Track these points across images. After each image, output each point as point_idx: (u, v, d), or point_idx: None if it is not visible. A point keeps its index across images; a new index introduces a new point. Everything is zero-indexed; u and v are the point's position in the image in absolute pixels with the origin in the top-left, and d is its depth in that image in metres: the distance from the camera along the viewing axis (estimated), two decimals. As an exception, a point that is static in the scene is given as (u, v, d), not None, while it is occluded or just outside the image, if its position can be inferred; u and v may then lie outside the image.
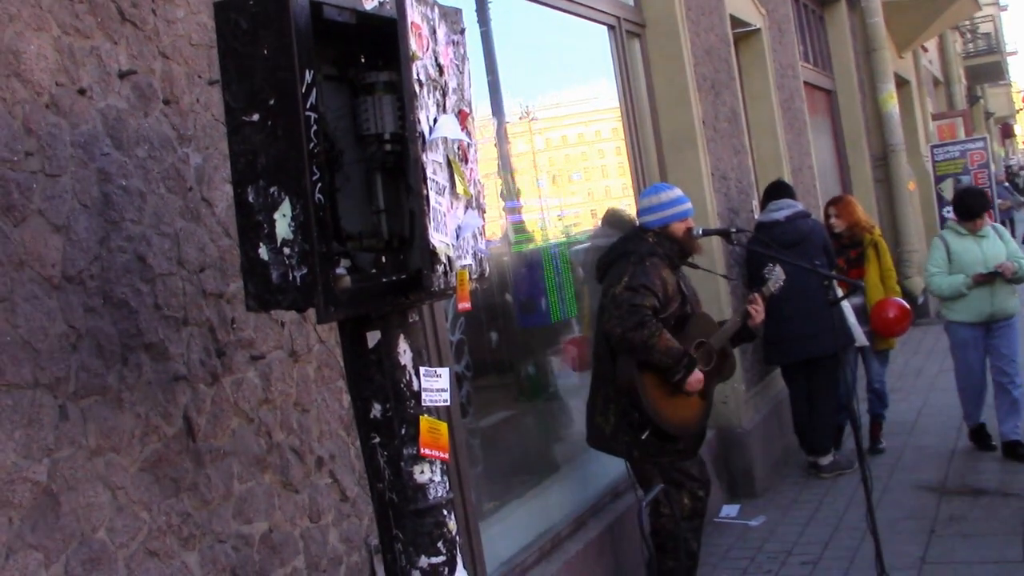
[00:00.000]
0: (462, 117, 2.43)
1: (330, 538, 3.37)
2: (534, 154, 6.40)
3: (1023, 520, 6.12)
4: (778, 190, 7.95)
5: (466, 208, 2.42)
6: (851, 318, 7.51)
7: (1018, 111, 56.26)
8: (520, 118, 6.13)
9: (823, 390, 7.63)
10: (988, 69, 35.88)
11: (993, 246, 7.54)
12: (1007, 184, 23.28)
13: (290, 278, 2.13)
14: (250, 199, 2.16)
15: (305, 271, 2.11)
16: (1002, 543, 5.83)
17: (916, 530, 6.21)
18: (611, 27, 6.97)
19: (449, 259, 2.27)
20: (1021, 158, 51.65)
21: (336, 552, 3.38)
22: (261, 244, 2.16)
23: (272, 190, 2.14)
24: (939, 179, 15.31)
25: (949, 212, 14.94)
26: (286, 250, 2.13)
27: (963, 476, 7.20)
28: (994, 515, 6.31)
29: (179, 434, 2.81)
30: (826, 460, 7.66)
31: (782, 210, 7.62)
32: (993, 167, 16.67)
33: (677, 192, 5.32)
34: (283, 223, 2.13)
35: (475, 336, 5.08)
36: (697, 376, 4.95)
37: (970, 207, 7.59)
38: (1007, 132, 52.73)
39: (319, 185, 2.13)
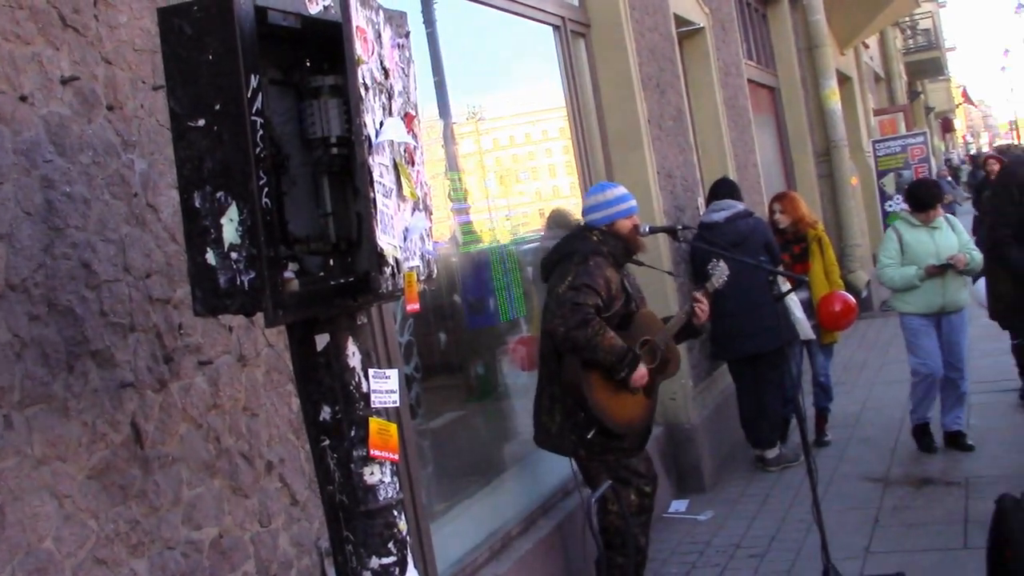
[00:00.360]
0: (408, 120, 2.44)
1: (280, 542, 3.37)
2: (481, 154, 6.42)
3: (964, 509, 6.24)
4: (721, 189, 8.02)
5: (413, 210, 2.43)
6: (798, 312, 7.62)
7: (957, 106, 57.23)
8: (467, 119, 6.15)
9: (769, 384, 7.73)
10: (928, 65, 36.42)
11: (946, 238, 7.49)
12: (949, 179, 23.63)
13: (238, 282, 2.14)
14: (196, 204, 2.16)
15: (253, 275, 2.12)
16: (944, 532, 5.94)
17: (861, 521, 6.31)
18: (556, 27, 7.01)
19: (397, 261, 2.28)
20: (960, 152, 52.50)
21: (287, 556, 3.38)
22: (208, 249, 2.15)
23: (219, 195, 2.14)
24: (881, 174, 15.55)
25: (893, 205, 15.25)
26: (233, 255, 2.13)
27: (906, 467, 7.32)
28: (937, 504, 6.43)
29: (127, 441, 2.80)
30: (772, 453, 7.76)
31: (722, 211, 7.69)
32: (933, 161, 16.93)
33: (622, 190, 5.37)
34: (230, 228, 2.13)
35: (424, 337, 5.09)
36: (641, 372, 5.00)
37: (922, 198, 7.55)
38: (947, 127, 53.60)
39: (266, 189, 2.13)
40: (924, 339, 7.49)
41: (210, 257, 2.16)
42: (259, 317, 3.18)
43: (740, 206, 7.79)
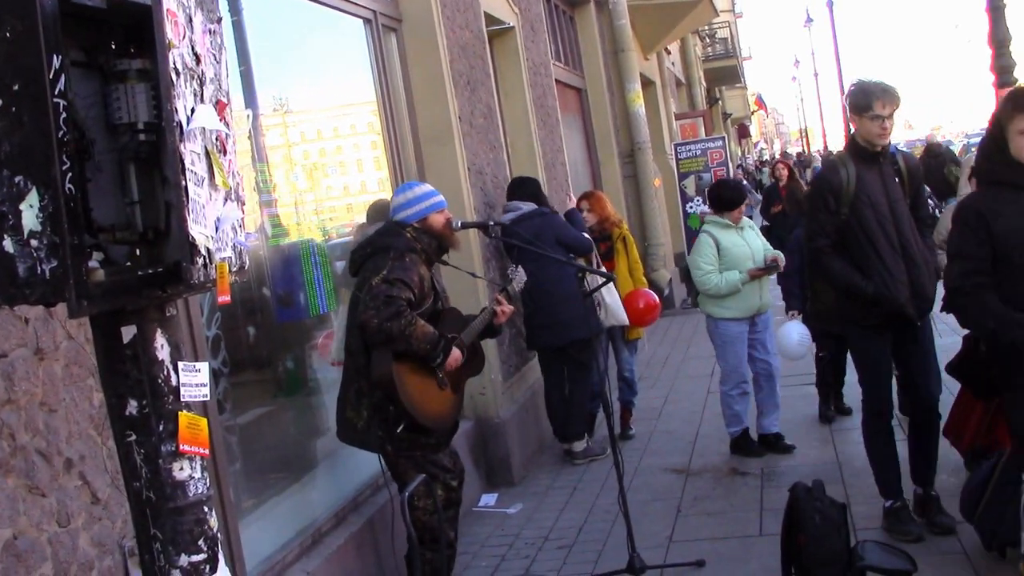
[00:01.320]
0: (220, 107, 2.38)
1: (80, 542, 3.24)
2: (289, 147, 6.31)
3: (760, 498, 6.52)
4: (516, 190, 8.09)
5: (225, 200, 2.38)
6: (609, 298, 7.78)
7: (752, 113, 59.60)
8: (274, 110, 6.04)
9: (576, 378, 7.89)
10: (726, 72, 37.84)
11: (754, 239, 7.56)
12: (746, 183, 24.56)
13: (38, 271, 2.04)
14: (-8, 189, 2.05)
15: (55, 264, 2.02)
16: (742, 519, 6.20)
17: (664, 511, 6.52)
18: (367, 20, 6.97)
19: (209, 251, 2.22)
20: (754, 157, 54.67)
21: (87, 556, 3.26)
22: (6, 236, 2.05)
23: (18, 179, 2.04)
24: (682, 176, 16.07)
25: (693, 207, 15.77)
26: (34, 242, 2.03)
27: (706, 458, 7.60)
28: (734, 494, 6.70)
29: (-87, 439, 2.64)
30: (580, 447, 7.93)
31: (508, 213, 7.77)
32: (731, 165, 17.59)
33: (428, 187, 5.44)
34: (30, 214, 2.03)
35: (232, 331, 4.99)
36: (456, 355, 5.13)
37: (727, 198, 7.50)
38: (743, 132, 55.84)
39: (69, 175, 2.04)
40: (739, 346, 7.46)
41: (7, 244, 2.05)
42: (58, 309, 3.06)
43: (526, 207, 7.80)
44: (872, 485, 6.42)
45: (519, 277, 6.01)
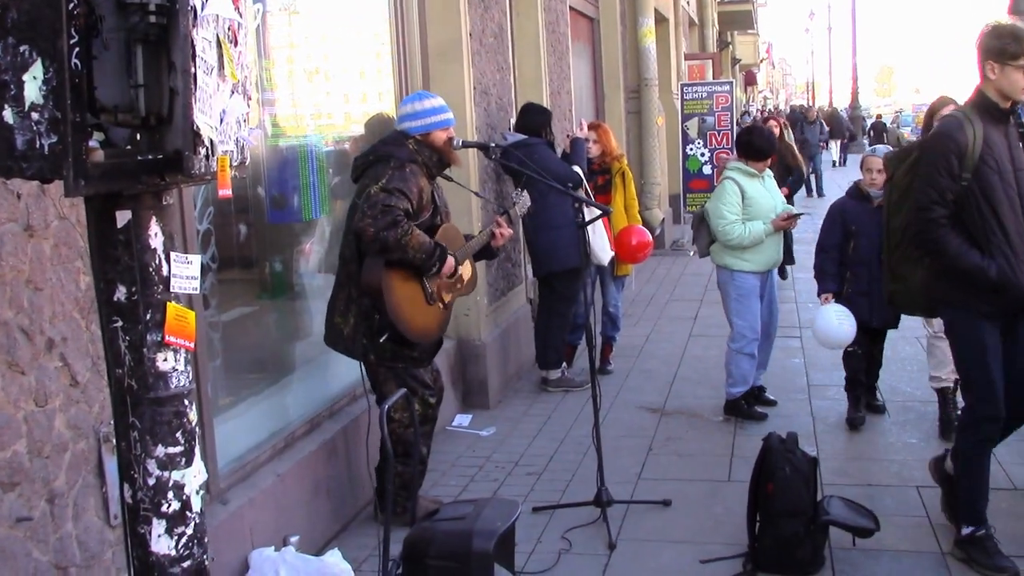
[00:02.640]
0: (234, -4, 2.32)
1: (56, 424, 3.23)
2: (293, 47, 6.20)
3: (732, 444, 6.56)
4: (519, 118, 8.01)
5: (232, 92, 2.33)
6: (597, 238, 7.76)
7: (761, 61, 59.13)
8: (281, 9, 5.93)
9: (556, 309, 7.89)
10: (739, 17, 37.38)
11: (774, 189, 7.19)
12: None
13: (37, 146, 1.99)
14: (-4, 56, 2.00)
15: (55, 139, 1.98)
16: (712, 463, 6.24)
17: (635, 448, 6.55)
18: (386, -74, 6.83)
19: (212, 142, 2.18)
20: (757, 107, 54.32)
21: (62, 438, 3.25)
22: (6, 106, 2.00)
23: (23, 49, 1.98)
24: (686, 117, 15.94)
25: (693, 149, 15.67)
26: (35, 115, 1.98)
27: (682, 400, 7.63)
28: (707, 439, 6.74)
29: None
30: (555, 375, 7.96)
31: (504, 142, 7.60)
32: (735, 111, 17.47)
33: (440, 100, 5.35)
34: (33, 86, 1.98)
35: (223, 228, 4.94)
36: (450, 263, 5.10)
37: (759, 147, 6.98)
38: (750, 80, 55.39)
39: (77, 50, 1.99)
40: (754, 301, 6.96)
41: (7, 115, 2.01)
42: (52, 187, 3.02)
43: (512, 138, 7.71)
44: (845, 442, 6.50)
45: (523, 201, 5.93)
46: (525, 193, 6.03)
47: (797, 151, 12.17)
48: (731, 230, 6.84)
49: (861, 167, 7.05)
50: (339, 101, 6.84)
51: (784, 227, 6.97)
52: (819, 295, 6.93)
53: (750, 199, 6.88)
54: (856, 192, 6.88)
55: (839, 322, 6.45)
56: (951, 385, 6.43)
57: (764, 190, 7.02)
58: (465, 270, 5.43)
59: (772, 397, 7.41)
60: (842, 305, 6.57)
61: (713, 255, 7.13)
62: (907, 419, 6.90)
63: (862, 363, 6.97)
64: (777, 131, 16.28)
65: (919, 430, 6.66)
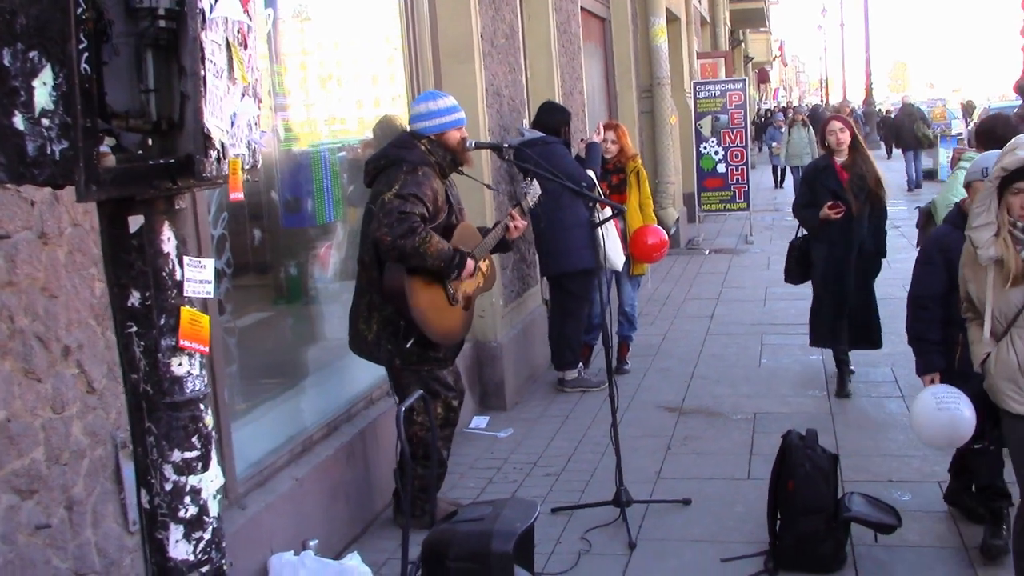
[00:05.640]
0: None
1: (73, 430, 3.23)
2: (305, 53, 6.21)
3: (751, 442, 6.53)
4: (540, 113, 8.01)
5: (242, 95, 2.32)
6: (611, 242, 7.74)
7: (774, 58, 59.00)
8: (294, 15, 5.93)
9: (569, 309, 7.87)
10: (751, 15, 37.28)
11: None
12: (781, 129, 24.37)
13: (48, 151, 1.99)
14: (6, 62, 1.99)
15: (66, 145, 1.98)
16: (731, 462, 6.21)
17: (654, 447, 6.53)
18: (396, -71, 6.82)
19: (223, 145, 2.17)
20: (771, 104, 54.18)
21: (79, 445, 3.25)
22: (17, 112, 2.00)
23: (32, 55, 1.98)
24: (699, 116, 15.89)
25: (707, 147, 15.61)
26: (45, 121, 1.98)
27: (699, 399, 7.60)
28: (725, 436, 6.71)
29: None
30: (571, 375, 7.94)
31: (515, 138, 7.63)
32: (749, 109, 17.42)
33: (452, 100, 5.32)
34: (43, 92, 1.98)
35: (237, 232, 4.94)
36: (470, 266, 5.07)
37: (1004, 138, 4.94)
38: (763, 77, 55.28)
39: (86, 54, 1.99)
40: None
41: (18, 121, 2.00)
42: (65, 193, 3.02)
43: (530, 135, 7.71)
44: (864, 438, 6.46)
45: (533, 191, 5.90)
46: (535, 183, 5.98)
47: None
48: None
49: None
50: (351, 105, 6.84)
51: None
52: (920, 374, 5.03)
53: None
54: (959, 219, 4.76)
55: (948, 411, 4.51)
56: None
57: None
58: (483, 266, 5.41)
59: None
60: (953, 386, 4.62)
61: None
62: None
63: (999, 462, 4.92)
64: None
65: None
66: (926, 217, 6.54)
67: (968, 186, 4.83)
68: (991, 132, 5.97)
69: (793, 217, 7.74)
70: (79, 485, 3.26)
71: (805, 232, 7.63)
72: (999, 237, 3.89)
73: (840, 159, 7.28)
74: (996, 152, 4.33)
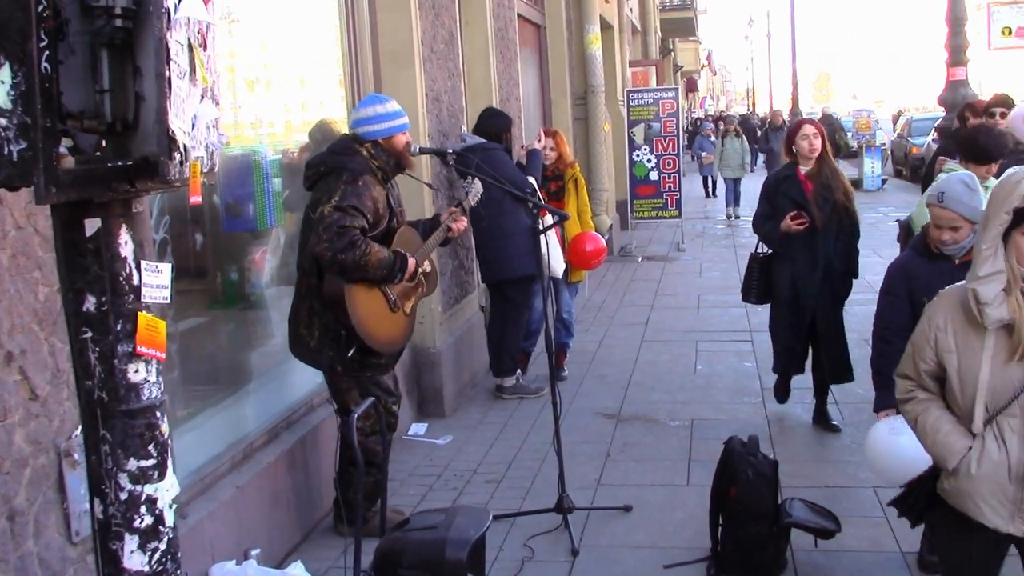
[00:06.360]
0: (205, -1, 2.28)
1: (16, 439, 3.15)
2: (232, 56, 6.10)
3: (689, 448, 6.58)
4: (482, 119, 8.01)
5: (202, 97, 2.28)
6: (551, 249, 7.75)
7: (702, 68, 59.66)
8: (223, 17, 5.82)
9: (508, 316, 7.86)
10: (680, 24, 37.70)
11: None
12: (712, 139, 24.56)
13: (5, 152, 1.93)
14: (-39, 61, 1.94)
15: (24, 145, 1.92)
16: (670, 468, 6.25)
17: (593, 454, 6.55)
18: (337, -68, 6.77)
19: (186, 148, 2.13)
20: (699, 112, 54.75)
21: (22, 453, 3.17)
22: (-28, 112, 1.94)
23: (-10, 53, 1.93)
24: (632, 124, 16.01)
25: (639, 155, 15.75)
26: (3, 120, 1.93)
27: (637, 406, 7.64)
28: (664, 443, 6.75)
29: None
30: (509, 382, 7.93)
31: (459, 145, 7.63)
32: (681, 117, 17.58)
33: (396, 104, 5.29)
34: (1, 91, 1.92)
35: (178, 237, 4.86)
36: (411, 264, 5.05)
37: (986, 149, 5.62)
38: (691, 86, 55.87)
39: (46, 53, 1.94)
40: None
41: (-27, 121, 1.95)
42: (10, 196, 2.95)
43: (471, 140, 7.74)
44: (800, 445, 6.54)
45: (474, 190, 5.90)
46: (476, 181, 5.98)
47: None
48: None
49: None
50: (287, 109, 6.76)
51: None
52: (876, 410, 4.75)
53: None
54: (923, 247, 4.60)
55: (905, 435, 3.86)
56: None
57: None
58: (425, 267, 5.38)
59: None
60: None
61: None
62: (860, 420, 6.94)
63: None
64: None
65: (873, 431, 6.70)
66: (906, 232, 6.22)
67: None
68: (972, 142, 5.79)
69: (752, 232, 7.13)
70: (21, 495, 3.17)
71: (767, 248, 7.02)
72: (1011, 295, 3.03)
73: (805, 168, 6.71)
74: (961, 175, 4.24)
